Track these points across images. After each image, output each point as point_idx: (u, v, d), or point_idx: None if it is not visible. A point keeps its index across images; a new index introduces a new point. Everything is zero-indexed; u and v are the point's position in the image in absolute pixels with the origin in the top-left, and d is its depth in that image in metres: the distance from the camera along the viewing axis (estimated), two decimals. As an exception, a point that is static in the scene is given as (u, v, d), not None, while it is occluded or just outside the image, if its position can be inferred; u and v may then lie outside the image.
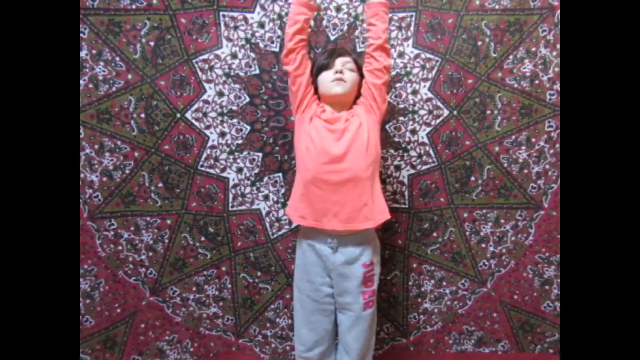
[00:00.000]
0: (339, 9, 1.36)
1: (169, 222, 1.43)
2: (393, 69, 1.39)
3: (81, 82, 1.32)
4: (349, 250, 1.14)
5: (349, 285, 1.16)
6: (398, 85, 1.40)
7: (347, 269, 1.15)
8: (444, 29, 1.38)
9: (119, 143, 1.37)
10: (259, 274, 1.50)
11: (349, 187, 1.09)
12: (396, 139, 1.44)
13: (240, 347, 1.52)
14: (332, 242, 1.14)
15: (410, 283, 1.53)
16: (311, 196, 1.13)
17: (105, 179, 1.38)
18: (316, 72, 1.17)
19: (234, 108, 1.40)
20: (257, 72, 1.38)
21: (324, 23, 1.37)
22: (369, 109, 1.17)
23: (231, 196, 1.45)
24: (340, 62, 1.14)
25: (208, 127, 1.40)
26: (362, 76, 1.19)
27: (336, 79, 1.12)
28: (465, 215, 1.49)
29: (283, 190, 1.45)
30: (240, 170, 1.44)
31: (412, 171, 1.46)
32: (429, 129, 1.44)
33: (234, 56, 1.37)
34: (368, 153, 1.11)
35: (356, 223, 1.11)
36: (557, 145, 1.43)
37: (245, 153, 1.43)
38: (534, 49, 1.39)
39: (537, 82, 1.41)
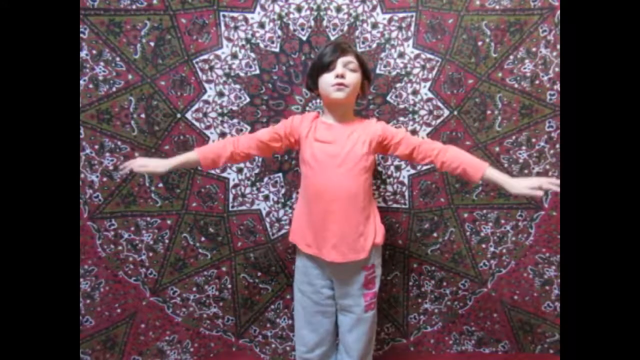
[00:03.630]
0: (339, 9, 1.36)
1: (169, 222, 1.43)
2: (393, 69, 1.39)
3: (81, 82, 1.32)
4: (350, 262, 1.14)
5: (351, 288, 1.15)
6: (398, 85, 1.40)
7: (348, 274, 1.15)
8: (444, 29, 1.38)
9: (119, 143, 1.37)
10: (259, 274, 1.50)
11: (348, 214, 1.09)
12: (396, 139, 1.44)
13: (240, 347, 1.52)
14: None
15: (410, 283, 1.53)
16: (314, 220, 1.12)
17: (105, 179, 1.38)
18: (317, 71, 1.11)
19: (234, 108, 1.40)
20: (257, 72, 1.38)
21: (324, 23, 1.37)
22: (379, 137, 1.12)
23: (231, 196, 1.45)
24: (341, 63, 1.07)
25: (208, 127, 1.40)
26: (364, 73, 1.14)
27: (336, 83, 1.06)
28: (465, 215, 1.49)
29: (283, 190, 1.45)
30: (240, 170, 1.44)
31: (412, 171, 1.46)
32: (429, 129, 1.44)
33: (234, 56, 1.37)
34: (366, 181, 1.10)
35: (354, 254, 1.10)
36: (557, 145, 1.43)
37: (245, 153, 1.43)
38: (534, 49, 1.39)
39: (537, 82, 1.41)
